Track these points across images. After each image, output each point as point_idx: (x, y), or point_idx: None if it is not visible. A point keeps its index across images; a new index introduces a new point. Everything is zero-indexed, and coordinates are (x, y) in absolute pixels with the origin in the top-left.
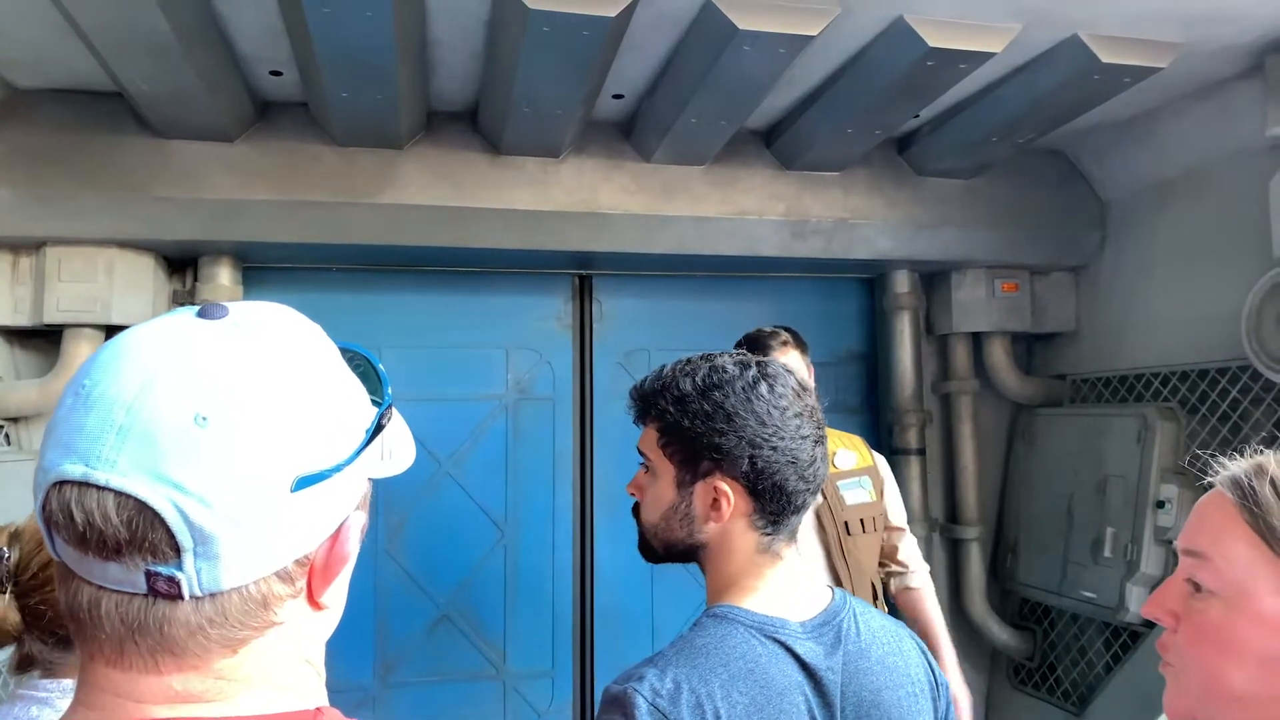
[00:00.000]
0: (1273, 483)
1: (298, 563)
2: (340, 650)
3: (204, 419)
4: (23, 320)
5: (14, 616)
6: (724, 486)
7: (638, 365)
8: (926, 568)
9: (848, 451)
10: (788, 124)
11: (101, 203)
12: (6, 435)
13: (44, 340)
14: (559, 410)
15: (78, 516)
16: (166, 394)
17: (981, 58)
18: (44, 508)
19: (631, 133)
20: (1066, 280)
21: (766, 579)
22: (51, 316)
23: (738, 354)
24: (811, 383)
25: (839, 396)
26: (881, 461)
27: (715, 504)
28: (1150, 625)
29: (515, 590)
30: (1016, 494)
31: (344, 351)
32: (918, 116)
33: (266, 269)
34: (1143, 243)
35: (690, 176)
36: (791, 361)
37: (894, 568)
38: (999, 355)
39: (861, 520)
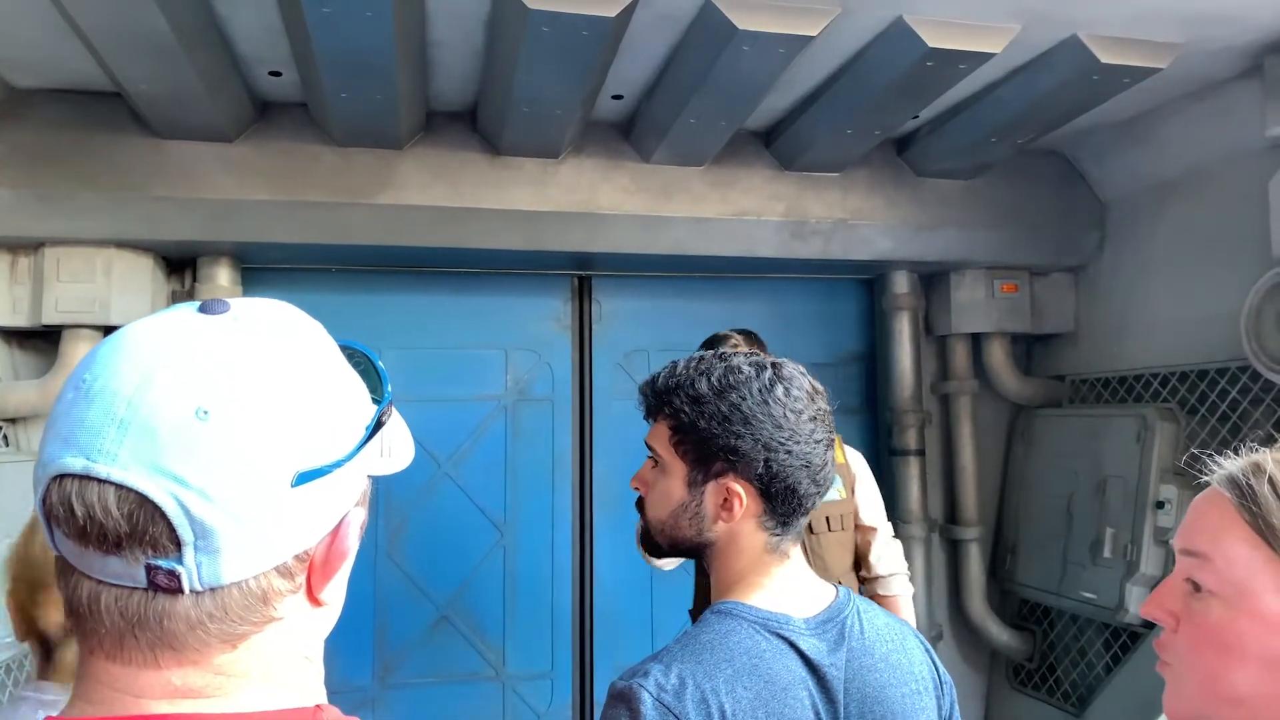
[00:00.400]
0: (1271, 482)
1: (298, 558)
2: (340, 651)
3: (205, 413)
4: (21, 320)
5: (57, 616)
6: (736, 487)
7: (637, 366)
8: (906, 572)
9: None
10: (787, 124)
11: (100, 203)
12: (5, 436)
13: (43, 341)
14: (558, 411)
15: (78, 510)
16: (168, 388)
17: (981, 58)
18: (44, 501)
19: (631, 133)
20: (1066, 281)
21: (773, 576)
22: (50, 317)
23: (751, 354)
24: None
25: (838, 397)
26: (856, 457)
27: (726, 504)
28: (1150, 626)
29: (514, 591)
30: (1016, 494)
31: (344, 349)
32: (917, 117)
33: (265, 269)
34: (1142, 243)
35: (689, 177)
36: None
37: (865, 573)
38: (998, 356)
39: (828, 518)
